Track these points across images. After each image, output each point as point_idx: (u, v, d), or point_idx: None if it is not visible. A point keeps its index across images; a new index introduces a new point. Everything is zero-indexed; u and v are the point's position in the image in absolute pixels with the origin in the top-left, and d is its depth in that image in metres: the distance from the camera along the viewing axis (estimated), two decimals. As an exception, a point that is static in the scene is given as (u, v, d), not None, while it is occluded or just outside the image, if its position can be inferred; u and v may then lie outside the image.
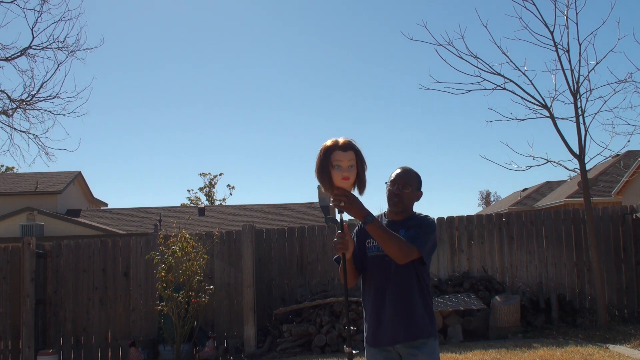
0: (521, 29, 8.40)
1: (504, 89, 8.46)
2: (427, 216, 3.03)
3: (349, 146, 3.06)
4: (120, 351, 8.76)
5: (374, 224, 2.76)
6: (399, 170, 3.06)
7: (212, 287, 8.41)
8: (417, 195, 3.06)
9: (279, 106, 64.01)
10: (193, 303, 8.10)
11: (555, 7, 8.24)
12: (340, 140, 3.06)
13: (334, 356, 7.53)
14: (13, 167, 32.41)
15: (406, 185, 2.99)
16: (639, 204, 9.06)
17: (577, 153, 8.22)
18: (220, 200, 43.10)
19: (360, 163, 3.06)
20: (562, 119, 8.60)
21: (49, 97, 9.81)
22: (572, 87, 8.24)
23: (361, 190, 3.25)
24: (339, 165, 2.97)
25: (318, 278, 8.92)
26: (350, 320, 7.91)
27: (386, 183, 3.06)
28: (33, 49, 9.74)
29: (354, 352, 2.84)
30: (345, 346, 2.94)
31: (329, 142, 3.13)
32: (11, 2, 9.63)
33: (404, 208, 3.00)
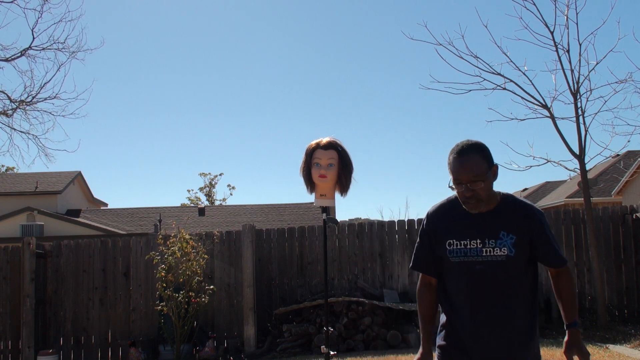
0: (521, 29, 8.41)
1: (504, 89, 8.47)
2: (529, 207, 2.44)
3: (330, 145, 3.05)
4: (120, 351, 8.75)
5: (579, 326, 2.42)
6: (457, 164, 2.36)
7: (212, 287, 8.40)
8: (494, 175, 2.40)
9: (279, 106, 64.03)
10: (193, 303, 8.10)
11: (555, 7, 8.24)
12: (324, 140, 3.05)
13: (333, 356, 7.52)
14: (13, 167, 32.43)
15: (477, 179, 2.33)
16: (639, 204, 9.06)
17: (577, 153, 8.22)
18: (220, 200, 43.16)
19: (343, 164, 3.02)
20: (562, 119, 8.61)
21: (48, 98, 9.86)
22: (572, 87, 8.23)
23: (342, 191, 3.22)
24: (318, 163, 2.97)
25: (318, 278, 8.91)
26: (351, 320, 7.95)
27: (450, 187, 2.42)
28: (33, 49, 9.78)
29: (331, 352, 2.86)
30: (322, 347, 2.96)
31: (313, 142, 3.12)
32: (11, 2, 9.65)
33: (487, 202, 2.39)
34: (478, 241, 2.39)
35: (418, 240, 2.62)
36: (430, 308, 2.60)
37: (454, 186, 2.39)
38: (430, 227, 2.55)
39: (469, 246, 2.40)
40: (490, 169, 2.37)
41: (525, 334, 2.40)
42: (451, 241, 2.44)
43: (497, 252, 2.37)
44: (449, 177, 2.41)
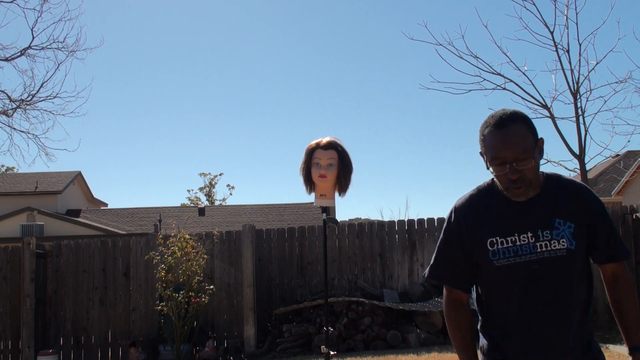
0: (521, 29, 8.41)
1: (504, 89, 8.48)
2: (584, 188, 1.97)
3: (330, 145, 3.05)
4: (120, 351, 8.75)
5: None
6: (497, 138, 1.83)
7: (212, 287, 8.40)
8: (540, 151, 1.90)
9: (279, 106, 64.03)
10: (193, 303, 8.10)
11: (555, 7, 8.25)
12: (324, 140, 3.06)
13: (333, 356, 7.51)
14: (13, 167, 32.45)
15: (524, 156, 1.81)
16: (639, 204, 9.06)
17: (577, 153, 8.22)
18: (220, 200, 43.16)
19: (343, 164, 3.02)
20: (562, 119, 8.62)
21: (48, 97, 9.89)
22: (572, 87, 8.24)
23: (341, 191, 3.19)
24: (318, 163, 2.98)
25: (318, 278, 8.91)
26: (351, 320, 7.95)
27: (487, 167, 1.89)
28: (33, 49, 9.81)
29: (331, 352, 2.85)
30: (322, 347, 2.96)
31: (313, 142, 3.12)
32: (11, 1, 9.67)
33: (535, 186, 1.88)
34: (529, 234, 1.88)
35: (441, 240, 2.07)
36: (466, 331, 2.03)
37: (492, 169, 1.86)
38: (459, 224, 1.98)
39: (518, 242, 1.88)
40: (536, 144, 1.87)
41: (588, 349, 1.99)
42: (494, 239, 1.90)
43: (555, 246, 1.86)
44: (482, 160, 1.92)
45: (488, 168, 1.88)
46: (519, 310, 1.89)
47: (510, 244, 1.88)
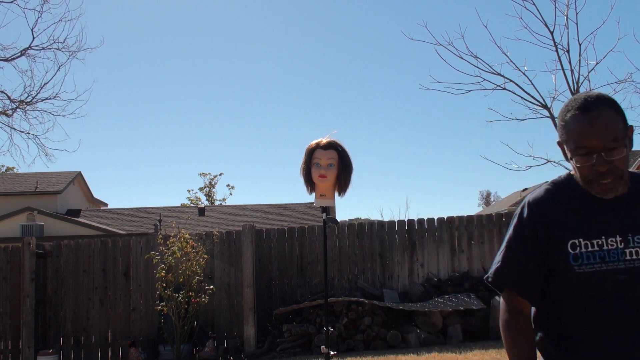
0: (521, 29, 8.39)
1: (504, 89, 8.46)
2: None
3: (330, 145, 3.05)
4: (120, 351, 8.75)
5: None
6: (584, 123, 1.57)
7: (212, 287, 8.40)
8: (630, 141, 1.63)
9: (279, 106, 64.05)
10: (193, 303, 8.10)
11: (555, 7, 8.23)
12: (324, 140, 3.07)
13: (334, 356, 7.51)
14: (13, 167, 32.45)
15: (615, 144, 1.55)
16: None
17: (577, 153, 8.21)
18: (220, 200, 43.17)
19: (343, 164, 3.02)
20: (562, 119, 8.59)
21: (48, 98, 9.89)
22: (572, 87, 8.23)
23: (340, 191, 3.18)
24: (318, 163, 2.99)
25: (318, 278, 8.91)
26: (351, 320, 7.95)
27: (569, 158, 1.63)
28: (33, 49, 9.82)
29: (331, 352, 2.85)
30: (322, 347, 2.96)
31: (313, 142, 3.12)
32: (11, 2, 9.67)
33: (624, 182, 1.62)
34: (618, 238, 1.61)
35: (511, 239, 1.76)
36: (526, 345, 1.72)
37: (575, 159, 1.59)
38: (536, 221, 1.69)
39: (605, 247, 1.61)
40: (627, 132, 1.59)
41: None
42: (576, 241, 1.63)
43: None
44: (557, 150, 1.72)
45: (570, 159, 1.62)
46: (600, 327, 1.61)
47: (596, 248, 1.62)
